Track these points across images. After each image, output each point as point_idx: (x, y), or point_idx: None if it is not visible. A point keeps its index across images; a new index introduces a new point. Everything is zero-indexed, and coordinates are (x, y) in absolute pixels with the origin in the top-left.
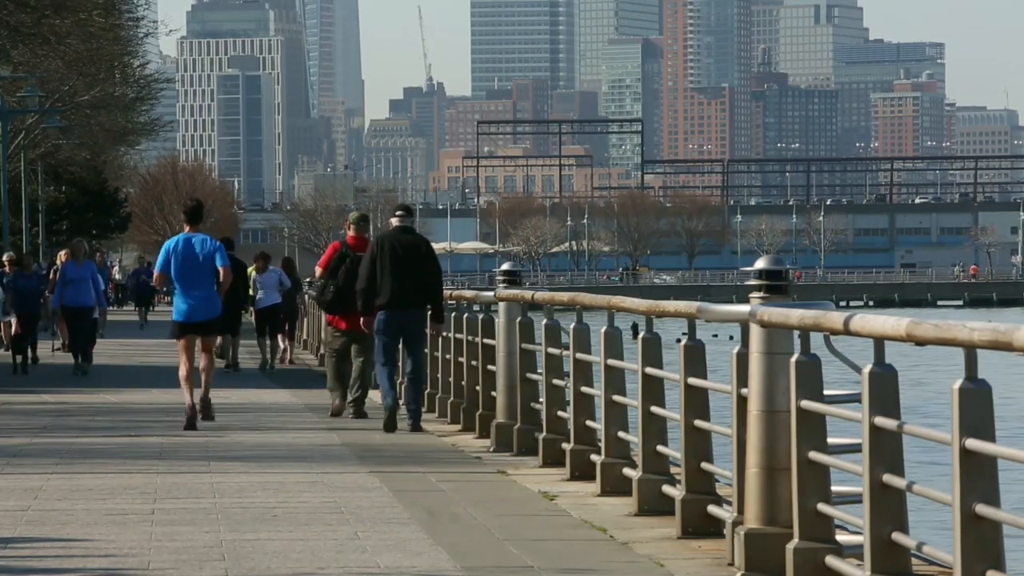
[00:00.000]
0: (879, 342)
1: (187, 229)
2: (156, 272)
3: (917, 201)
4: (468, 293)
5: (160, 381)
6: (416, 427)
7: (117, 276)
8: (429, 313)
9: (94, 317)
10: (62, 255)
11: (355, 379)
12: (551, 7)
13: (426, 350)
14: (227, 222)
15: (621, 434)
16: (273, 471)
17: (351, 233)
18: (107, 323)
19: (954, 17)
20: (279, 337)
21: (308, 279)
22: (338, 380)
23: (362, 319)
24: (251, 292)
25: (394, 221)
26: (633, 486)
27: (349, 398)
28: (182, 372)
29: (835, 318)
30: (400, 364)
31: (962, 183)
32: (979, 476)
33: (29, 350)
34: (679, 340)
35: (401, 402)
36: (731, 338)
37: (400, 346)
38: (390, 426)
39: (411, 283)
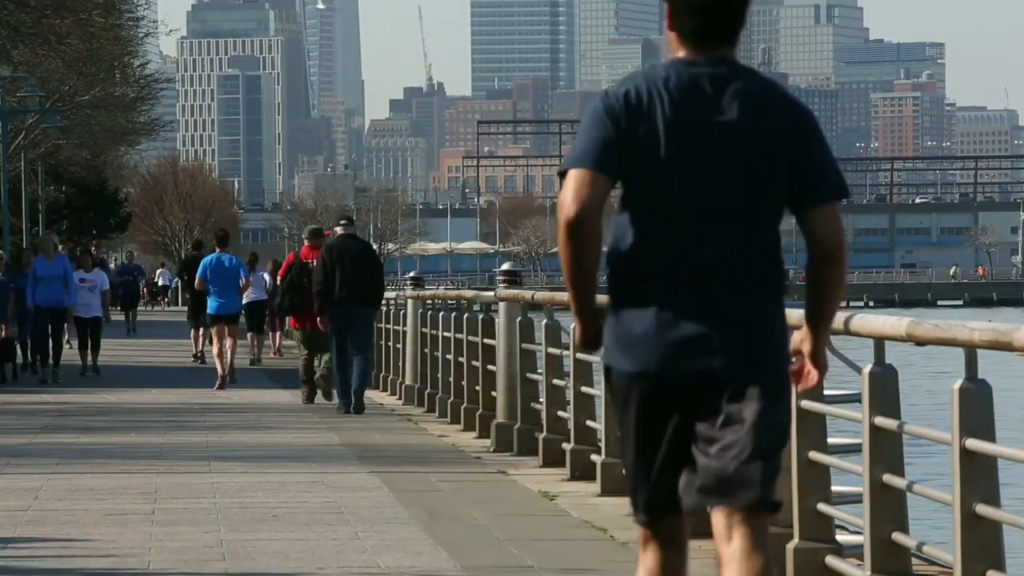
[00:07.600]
0: (879, 342)
1: (218, 250)
2: (198, 278)
3: (917, 201)
4: (468, 293)
5: (160, 381)
6: (358, 409)
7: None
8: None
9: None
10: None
11: (321, 372)
12: (551, 7)
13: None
14: (227, 222)
15: None
16: (273, 471)
17: (305, 244)
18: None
19: (954, 17)
20: (271, 335)
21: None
22: (307, 374)
23: (318, 318)
24: None
25: (339, 230)
26: None
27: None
28: (215, 350)
29: (835, 318)
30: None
31: (962, 183)
32: (979, 476)
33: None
34: None
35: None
36: None
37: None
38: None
39: (357, 283)
